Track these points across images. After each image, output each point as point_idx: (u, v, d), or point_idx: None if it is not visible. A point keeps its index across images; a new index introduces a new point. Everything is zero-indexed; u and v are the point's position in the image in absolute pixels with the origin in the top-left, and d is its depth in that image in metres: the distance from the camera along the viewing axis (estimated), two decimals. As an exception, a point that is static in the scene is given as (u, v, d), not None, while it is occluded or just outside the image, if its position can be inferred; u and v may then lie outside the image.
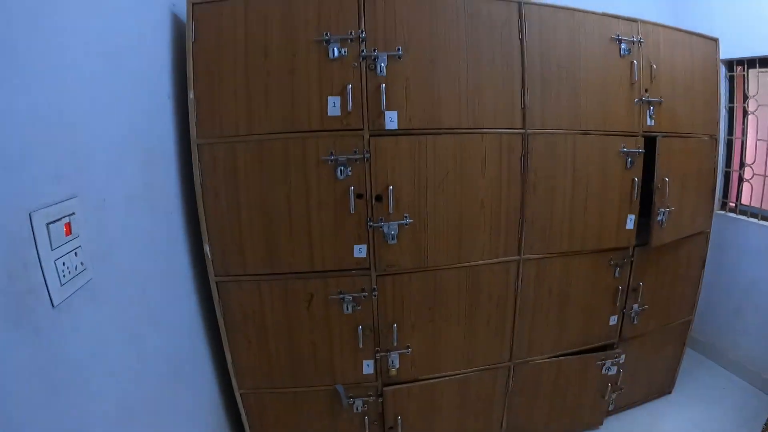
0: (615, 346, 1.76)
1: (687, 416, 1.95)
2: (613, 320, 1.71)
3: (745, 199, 2.25)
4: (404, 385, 1.51)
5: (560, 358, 1.67)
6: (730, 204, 2.31)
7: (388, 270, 1.38)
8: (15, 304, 0.64)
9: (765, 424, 1.74)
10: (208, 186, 1.27)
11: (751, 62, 2.10)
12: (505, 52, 1.36)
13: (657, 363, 1.98)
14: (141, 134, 1.08)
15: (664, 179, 1.58)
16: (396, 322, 1.43)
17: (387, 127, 1.28)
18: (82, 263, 0.78)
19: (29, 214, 0.67)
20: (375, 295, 1.39)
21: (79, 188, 0.80)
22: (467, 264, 1.45)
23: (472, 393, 1.61)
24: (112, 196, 0.92)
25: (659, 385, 2.07)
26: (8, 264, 0.63)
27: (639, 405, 2.02)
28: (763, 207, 2.13)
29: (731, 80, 2.22)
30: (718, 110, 1.80)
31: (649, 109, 1.56)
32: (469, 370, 1.57)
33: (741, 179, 2.26)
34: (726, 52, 1.79)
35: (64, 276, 0.73)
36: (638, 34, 1.52)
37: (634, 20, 1.52)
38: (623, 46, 1.49)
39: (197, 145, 1.25)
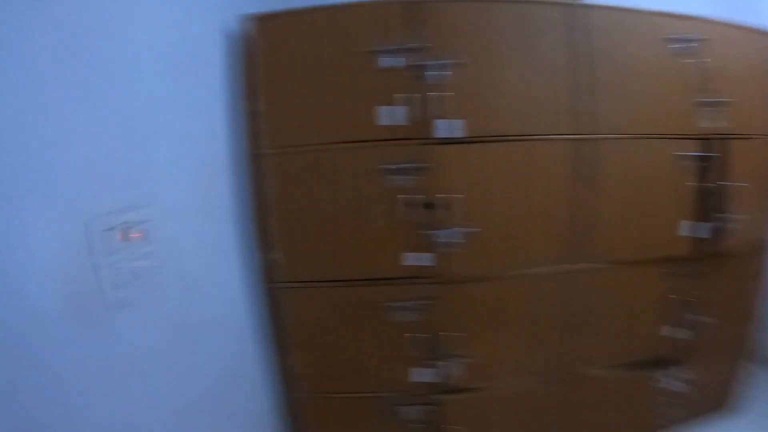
0: (673, 360, 1.66)
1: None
2: (670, 332, 1.62)
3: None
4: (462, 395, 1.51)
5: (618, 369, 1.61)
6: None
7: (450, 278, 1.39)
8: (83, 301, 0.72)
9: None
10: (278, 194, 1.33)
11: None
12: (562, 56, 1.35)
13: (715, 377, 1.86)
14: (201, 146, 1.14)
15: (726, 184, 1.49)
16: (457, 331, 1.43)
17: (450, 135, 1.30)
18: (146, 266, 0.86)
19: (103, 219, 0.76)
20: (436, 304, 1.40)
21: (143, 197, 0.86)
22: (530, 272, 1.44)
23: (528, 403, 1.58)
24: (174, 204, 0.97)
25: (716, 401, 1.94)
26: (77, 264, 0.72)
27: (695, 421, 1.91)
28: None
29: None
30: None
31: (709, 109, 1.48)
32: (527, 380, 1.55)
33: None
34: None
35: (126, 277, 0.82)
36: (695, 32, 1.44)
37: (690, 18, 1.45)
38: (679, 45, 1.42)
39: (266, 155, 1.31)
